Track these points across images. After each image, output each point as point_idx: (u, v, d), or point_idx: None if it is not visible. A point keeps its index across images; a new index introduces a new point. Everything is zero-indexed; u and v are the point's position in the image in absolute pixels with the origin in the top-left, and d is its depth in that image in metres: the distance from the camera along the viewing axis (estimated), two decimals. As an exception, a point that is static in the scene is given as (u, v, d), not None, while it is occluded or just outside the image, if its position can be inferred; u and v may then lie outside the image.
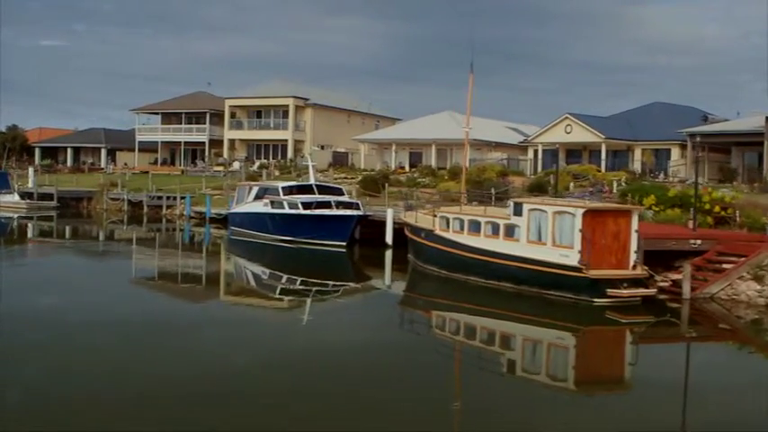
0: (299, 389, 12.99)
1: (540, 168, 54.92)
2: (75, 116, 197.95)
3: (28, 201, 53.64)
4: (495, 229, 22.41)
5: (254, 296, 24.54)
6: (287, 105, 66.64)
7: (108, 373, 13.59)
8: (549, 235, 20.92)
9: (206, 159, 69.26)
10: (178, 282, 26.94)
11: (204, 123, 70.20)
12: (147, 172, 66.05)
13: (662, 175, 49.17)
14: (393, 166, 61.00)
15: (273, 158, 67.74)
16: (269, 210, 33.70)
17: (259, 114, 69.45)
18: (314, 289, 25.42)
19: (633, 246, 20.74)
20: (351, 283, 27.71)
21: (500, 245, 22.13)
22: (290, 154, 66.30)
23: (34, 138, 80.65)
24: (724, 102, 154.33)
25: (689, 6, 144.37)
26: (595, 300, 20.15)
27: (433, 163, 59.33)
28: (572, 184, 45.98)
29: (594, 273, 20.07)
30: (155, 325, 18.37)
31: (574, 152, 56.68)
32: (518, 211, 21.77)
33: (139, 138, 72.79)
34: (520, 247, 21.57)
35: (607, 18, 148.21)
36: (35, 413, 11.21)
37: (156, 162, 72.79)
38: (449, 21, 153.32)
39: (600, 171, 49.57)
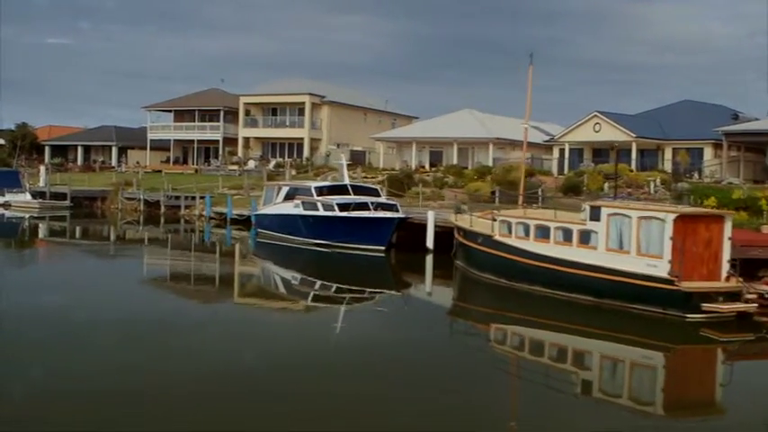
0: (336, 407, 11.65)
1: (566, 168, 52.59)
2: (80, 114, 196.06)
3: (40, 200, 51.24)
4: (568, 236, 20.09)
5: (284, 302, 22.51)
6: (303, 103, 64.26)
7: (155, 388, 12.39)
8: (632, 242, 18.61)
9: (220, 158, 66.91)
10: (205, 286, 24.94)
11: (218, 121, 67.81)
12: (159, 171, 63.78)
13: (696, 176, 46.91)
14: (413, 165, 58.73)
15: (289, 157, 65.39)
16: (301, 211, 31.34)
17: (274, 112, 67.07)
18: (349, 296, 23.21)
19: (726, 255, 18.45)
20: (391, 291, 25.46)
21: (573, 253, 19.81)
22: (306, 152, 63.95)
23: (44, 136, 78.11)
24: (729, 101, 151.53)
25: (694, 4, 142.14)
26: (688, 315, 17.82)
27: (455, 162, 57.04)
28: (606, 185, 43.75)
29: (688, 285, 17.75)
30: (184, 330, 17.30)
31: (601, 151, 54.34)
32: (595, 215, 19.45)
33: (151, 136, 70.33)
34: (597, 256, 19.26)
35: (613, 16, 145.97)
36: (40, 410, 11.00)
37: (168, 161, 70.39)
38: (455, 19, 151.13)
39: (632, 171, 47.30)
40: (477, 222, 23.85)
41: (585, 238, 19.67)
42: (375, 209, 29.65)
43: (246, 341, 16.30)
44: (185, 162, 70.27)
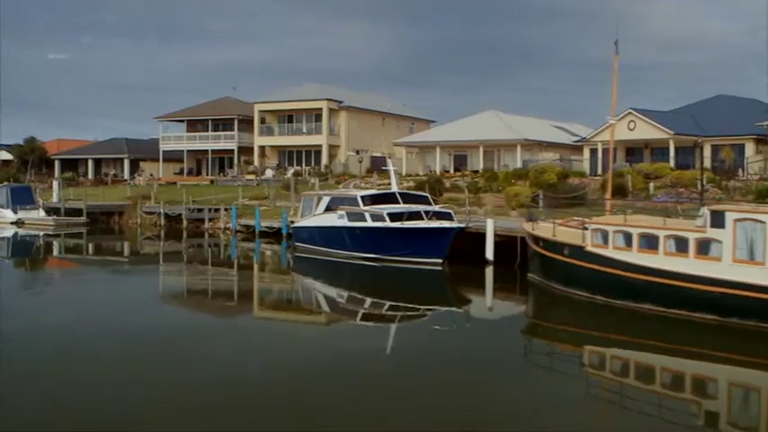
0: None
1: (599, 168, 49.75)
2: (85, 128, 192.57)
3: (55, 217, 48.20)
4: (682, 246, 17.21)
5: (331, 321, 20.38)
6: (320, 109, 61.40)
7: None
8: (766, 252, 15.77)
9: (235, 168, 64.01)
10: (246, 304, 22.60)
11: (232, 130, 64.93)
12: (174, 183, 60.90)
13: (740, 173, 44.06)
14: (437, 170, 55.89)
15: (306, 165, 62.55)
16: (346, 223, 28.41)
17: (290, 119, 64.16)
18: (404, 313, 20.63)
19: None
20: (451, 307, 22.62)
21: (690, 265, 16.94)
22: (324, 160, 61.08)
23: (52, 150, 75.00)
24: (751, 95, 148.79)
25: (694, 2, 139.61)
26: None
27: (480, 165, 54.21)
28: (652, 185, 40.94)
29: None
30: (230, 352, 15.69)
31: (634, 150, 51.57)
32: (718, 221, 16.58)
33: (164, 147, 67.36)
34: (722, 268, 16.40)
35: (613, 15, 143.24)
36: (50, 424, 10.79)
37: (181, 172, 67.47)
38: (454, 23, 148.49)
39: (673, 169, 44.45)
40: (561, 231, 20.94)
41: (705, 247, 16.81)
42: (429, 218, 26.74)
43: (293, 362, 14.66)
44: (199, 173, 67.37)
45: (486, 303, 23.67)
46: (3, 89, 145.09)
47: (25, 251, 39.72)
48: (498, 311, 22.21)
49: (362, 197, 28.44)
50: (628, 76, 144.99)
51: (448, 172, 55.78)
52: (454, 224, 26.08)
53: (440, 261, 26.19)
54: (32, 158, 66.14)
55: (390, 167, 30.83)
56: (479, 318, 21.18)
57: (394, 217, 26.65)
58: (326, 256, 29.77)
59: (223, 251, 37.74)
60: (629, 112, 49.00)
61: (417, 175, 54.58)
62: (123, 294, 24.10)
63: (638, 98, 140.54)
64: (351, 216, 28.26)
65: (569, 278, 20.28)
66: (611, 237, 18.86)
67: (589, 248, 19.38)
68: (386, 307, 22.62)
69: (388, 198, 28.55)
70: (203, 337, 17.36)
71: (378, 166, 61.11)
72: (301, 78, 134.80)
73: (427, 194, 30.72)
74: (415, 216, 26.63)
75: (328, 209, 29.82)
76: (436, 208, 28.32)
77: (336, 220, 28.91)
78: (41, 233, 45.15)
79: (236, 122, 64.51)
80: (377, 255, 27.41)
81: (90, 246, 40.98)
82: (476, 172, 53.18)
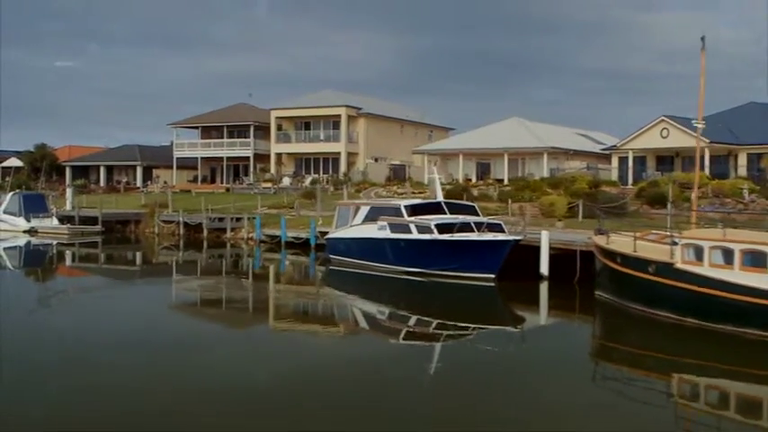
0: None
1: (630, 177, 47.67)
2: (91, 137, 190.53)
3: (69, 225, 45.96)
4: (798, 264, 15.08)
5: (371, 340, 18.60)
6: (339, 115, 59.34)
7: None
8: None
9: (250, 176, 61.91)
10: (286, 323, 20.34)
11: (248, 137, 62.85)
12: (188, 191, 58.77)
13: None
14: (460, 178, 53.82)
15: (324, 173, 60.46)
16: (388, 234, 26.20)
17: (307, 126, 62.09)
18: (452, 332, 18.53)
19: None
20: (505, 326, 20.43)
21: (809, 286, 14.80)
22: (342, 167, 58.98)
23: (63, 156, 72.81)
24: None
25: (698, 12, 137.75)
26: None
27: (505, 174, 52.15)
28: (693, 195, 38.71)
29: None
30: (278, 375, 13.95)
31: (664, 159, 49.48)
32: None
33: (178, 154, 65.26)
34: None
35: (618, 26, 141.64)
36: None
37: (195, 179, 65.38)
38: (458, 32, 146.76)
39: (710, 179, 42.30)
40: (642, 246, 18.76)
41: (827, 267, 14.65)
42: (480, 230, 24.57)
43: (331, 381, 13.36)
44: (213, 181, 65.24)
45: (544, 322, 21.49)
46: (11, 97, 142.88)
47: (38, 261, 37.62)
48: (558, 332, 19.98)
49: (407, 207, 26.23)
50: (632, 86, 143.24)
51: (470, 180, 53.75)
52: (510, 237, 23.89)
53: (493, 276, 24.00)
54: (45, 165, 63.96)
55: (435, 175, 28.61)
56: (537, 338, 18.89)
57: (443, 228, 24.45)
58: (365, 270, 27.54)
59: (249, 263, 35.53)
60: (662, 120, 46.98)
61: (426, 184, 52.53)
62: (156, 307, 21.92)
63: (641, 108, 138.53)
64: (393, 227, 26.06)
65: (653, 298, 18.10)
66: (706, 253, 16.68)
67: (680, 266, 17.20)
68: (433, 325, 20.50)
69: (434, 208, 26.36)
70: (239, 354, 15.93)
71: (397, 174, 59.12)
72: (305, 87, 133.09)
73: (474, 204, 28.53)
74: (466, 228, 24.44)
75: (368, 219, 27.62)
76: (486, 219, 26.15)
77: (377, 231, 26.71)
78: (55, 242, 42.97)
79: (251, 129, 62.46)
80: (422, 269, 25.21)
81: (110, 256, 38.81)
82: (500, 180, 51.17)
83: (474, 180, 53.91)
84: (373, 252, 26.85)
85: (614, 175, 49.58)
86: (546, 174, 50.11)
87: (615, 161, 51.01)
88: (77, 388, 12.61)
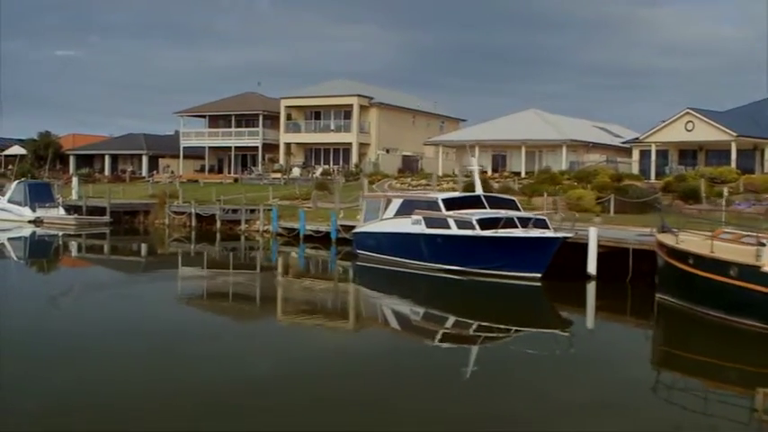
0: None
1: (653, 171, 45.80)
2: (94, 126, 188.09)
3: (76, 216, 43.91)
4: None
5: (403, 340, 17.09)
6: (350, 105, 57.33)
7: None
8: None
9: (259, 166, 59.91)
10: (323, 319, 18.66)
11: (256, 126, 60.81)
12: (196, 180, 56.74)
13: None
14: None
15: (334, 164, 58.50)
16: (424, 229, 24.25)
17: (318, 116, 60.05)
18: (495, 334, 17.06)
19: None
20: (553, 330, 18.51)
21: None
22: (354, 158, 57.01)
23: (67, 145, 70.52)
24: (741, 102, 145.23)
25: (702, 7, 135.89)
26: None
27: (522, 166, 50.25)
28: (726, 190, 36.97)
29: None
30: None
31: (687, 153, 47.63)
32: None
33: (185, 143, 63.16)
34: None
35: (620, 21, 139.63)
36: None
37: (202, 169, 63.33)
38: (460, 28, 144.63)
39: (739, 173, 40.53)
40: (719, 247, 16.88)
41: None
42: (523, 225, 22.69)
43: (368, 386, 12.25)
44: (221, 171, 63.21)
45: (594, 326, 19.73)
46: (11, 87, 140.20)
47: (43, 252, 35.78)
48: (611, 336, 18.15)
49: (445, 200, 24.28)
50: (630, 81, 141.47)
51: (485, 173, 51.84)
52: (559, 234, 22.00)
53: (539, 276, 22.13)
54: (50, 153, 61.77)
55: (474, 167, 26.67)
56: (587, 343, 17.22)
57: (486, 224, 22.54)
58: (396, 267, 25.65)
59: (267, 256, 33.67)
60: (687, 112, 45.11)
61: (455, 175, 50.65)
62: (198, 305, 20.05)
63: (642, 104, 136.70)
64: (430, 221, 24.12)
65: (735, 304, 16.26)
66: (801, 256, 14.85)
67: (768, 269, 15.37)
68: (472, 327, 18.80)
69: (473, 202, 24.44)
70: (275, 353, 14.85)
71: (409, 165, 57.20)
72: (306, 79, 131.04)
73: (514, 198, 26.60)
74: (510, 223, 22.55)
75: (400, 213, 25.67)
76: (528, 214, 24.27)
77: (411, 225, 24.76)
78: (61, 233, 40.97)
79: (260, 118, 60.42)
80: (461, 267, 23.32)
81: (123, 248, 36.93)
82: (516, 173, 49.30)
83: (489, 173, 52.01)
84: (406, 248, 24.94)
85: (634, 169, 47.74)
86: (564, 167, 48.26)
87: (636, 155, 49.16)
88: (80, 380, 12.08)
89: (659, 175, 44.87)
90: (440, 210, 23.98)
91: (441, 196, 25.01)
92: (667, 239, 18.67)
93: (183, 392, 11.51)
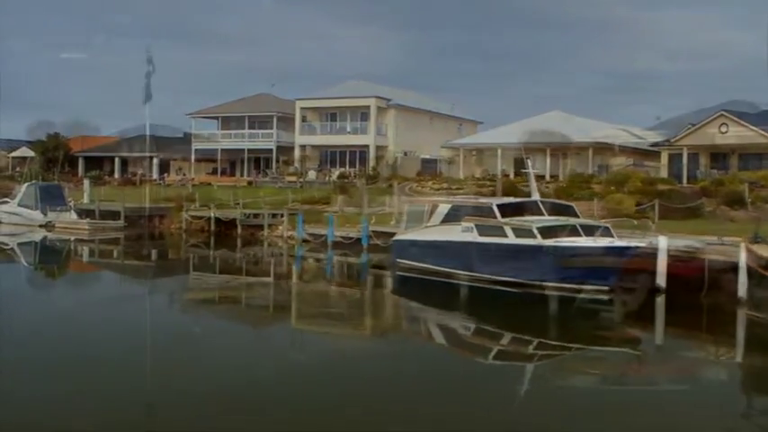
0: None
1: (684, 175, 43.73)
2: (102, 128, 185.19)
3: (89, 220, 41.70)
4: None
5: (454, 359, 15.82)
6: (367, 107, 55.28)
7: None
8: None
9: (273, 168, 57.77)
10: (347, 332, 17.94)
11: (270, 128, 58.71)
12: (209, 183, 54.56)
13: None
14: (499, 174, 49.81)
15: (351, 166, 56.40)
16: (476, 238, 22.12)
17: (333, 117, 57.95)
18: (556, 353, 15.81)
19: None
20: (621, 348, 16.71)
21: None
22: (371, 161, 54.91)
23: (76, 147, 68.30)
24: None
25: (707, 11, 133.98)
26: None
27: (547, 169, 48.18)
28: (771, 195, 34.89)
29: None
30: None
31: (718, 156, 45.55)
32: None
33: (197, 145, 61.00)
34: None
35: (625, 24, 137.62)
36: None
37: (214, 172, 61.19)
38: (463, 29, 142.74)
39: (777, 178, 38.44)
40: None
41: None
42: (588, 234, 20.60)
43: (420, 405, 11.32)
44: (233, 173, 61.06)
45: (667, 343, 17.81)
46: (13, 88, 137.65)
47: (54, 257, 33.88)
48: (687, 356, 16.25)
49: (499, 206, 22.14)
50: (637, 85, 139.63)
51: (507, 176, 49.77)
52: (631, 243, 19.89)
53: (607, 289, 20.03)
54: (61, 155, 59.57)
55: (530, 169, 24.54)
56: (661, 362, 15.53)
57: (545, 232, 20.45)
58: (442, 278, 23.56)
59: (293, 264, 31.60)
60: (721, 114, 43.08)
61: (477, 178, 48.63)
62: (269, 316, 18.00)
63: (646, 107, 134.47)
64: (482, 229, 21.97)
65: None
66: None
67: None
68: (533, 344, 16.90)
69: (529, 208, 22.34)
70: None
71: (427, 168, 55.14)
72: (310, 80, 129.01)
73: (572, 204, 24.50)
74: (574, 232, 20.45)
75: (447, 219, 23.54)
76: (589, 221, 22.17)
77: (460, 233, 22.62)
78: (73, 238, 38.83)
79: (274, 120, 58.32)
80: (517, 279, 21.21)
81: (140, 254, 34.95)
82: (541, 177, 47.23)
83: (512, 176, 49.95)
84: (454, 257, 22.81)
85: (663, 173, 45.70)
86: (591, 170, 46.26)
87: (665, 158, 47.08)
88: (85, 383, 12.00)
89: (690, 178, 42.88)
90: (494, 216, 21.85)
91: (495, 202, 22.88)
92: (763, 251, 16.59)
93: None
